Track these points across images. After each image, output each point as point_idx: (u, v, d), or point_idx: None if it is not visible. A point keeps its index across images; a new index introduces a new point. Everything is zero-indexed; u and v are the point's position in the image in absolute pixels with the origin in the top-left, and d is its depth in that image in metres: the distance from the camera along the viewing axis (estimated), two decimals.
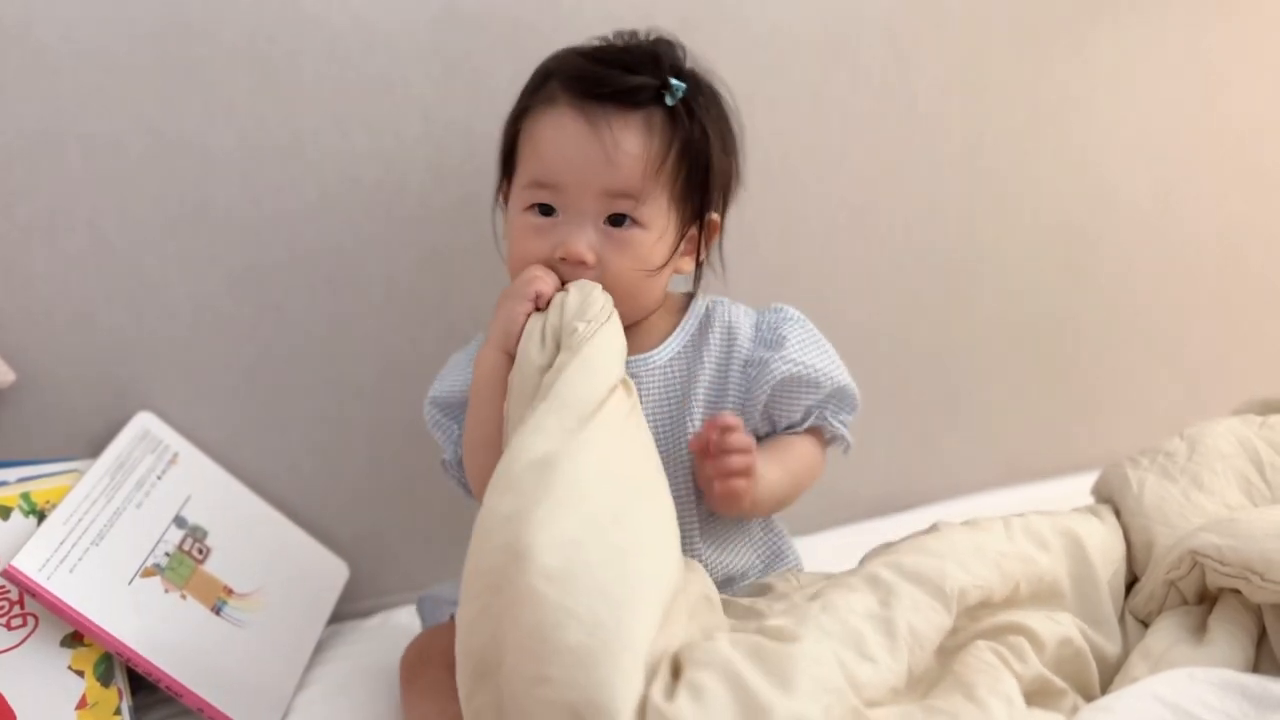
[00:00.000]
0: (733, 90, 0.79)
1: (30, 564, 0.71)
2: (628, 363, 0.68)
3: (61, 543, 0.74)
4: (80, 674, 0.74)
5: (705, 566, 0.75)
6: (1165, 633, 0.68)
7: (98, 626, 0.73)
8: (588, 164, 0.70)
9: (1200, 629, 0.68)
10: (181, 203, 0.86)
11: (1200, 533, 0.69)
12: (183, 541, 0.83)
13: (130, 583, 0.77)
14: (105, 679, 0.75)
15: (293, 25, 0.86)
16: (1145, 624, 0.72)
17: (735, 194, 0.80)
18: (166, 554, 0.81)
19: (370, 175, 0.91)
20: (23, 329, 0.84)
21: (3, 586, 0.73)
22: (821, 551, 0.91)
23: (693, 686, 0.50)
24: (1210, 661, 0.63)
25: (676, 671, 0.52)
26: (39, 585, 0.71)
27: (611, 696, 0.48)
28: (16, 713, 0.70)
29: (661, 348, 0.77)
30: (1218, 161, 1.29)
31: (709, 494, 0.71)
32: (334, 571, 0.95)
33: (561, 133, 0.71)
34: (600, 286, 0.70)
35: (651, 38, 0.77)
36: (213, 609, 0.81)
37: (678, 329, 0.78)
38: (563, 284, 0.71)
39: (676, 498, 0.66)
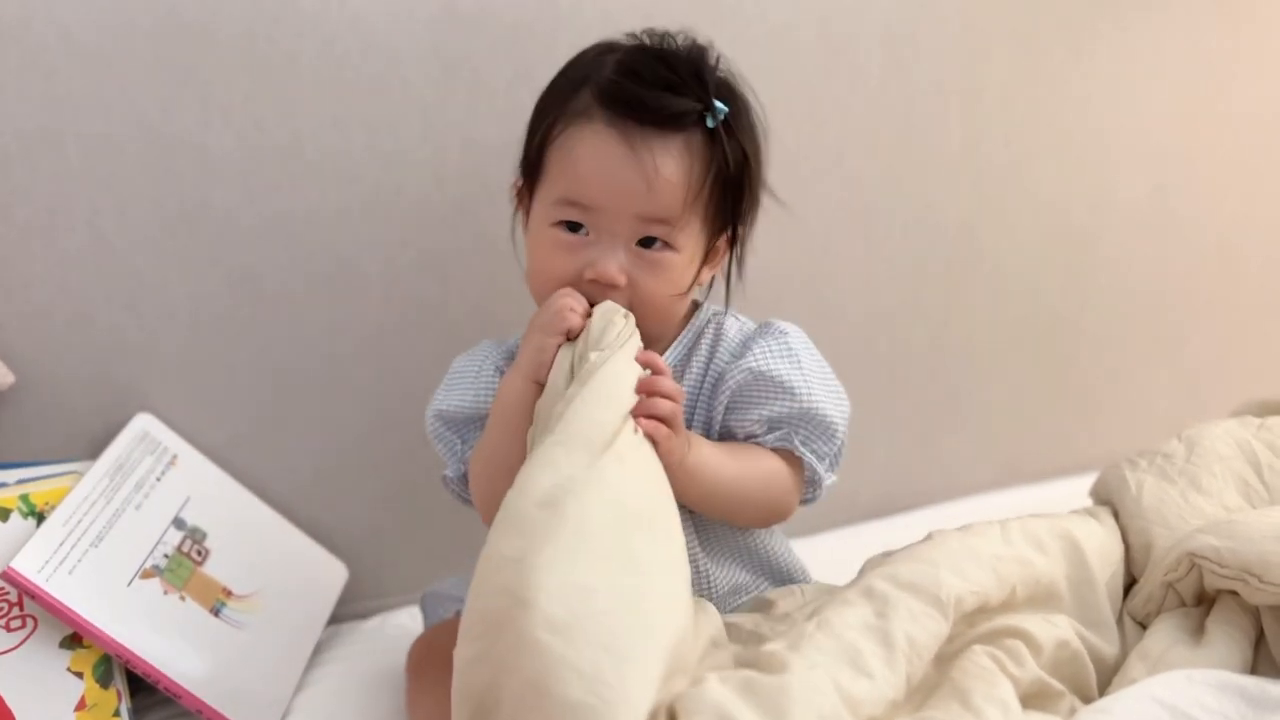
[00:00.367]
0: None
1: (29, 565, 0.71)
2: None
3: (61, 544, 0.74)
4: (79, 675, 0.74)
5: (705, 578, 0.75)
6: (1163, 634, 0.68)
7: (97, 628, 0.73)
8: (625, 189, 0.68)
9: (1198, 631, 0.68)
10: (180, 203, 0.86)
11: (1198, 534, 0.69)
12: (182, 543, 0.83)
13: (129, 584, 0.77)
14: (104, 680, 0.75)
15: (291, 25, 0.86)
16: (1143, 626, 0.72)
17: (760, 204, 0.78)
18: (165, 555, 0.81)
19: (369, 176, 0.91)
20: (22, 330, 0.83)
21: (2, 588, 0.73)
22: (821, 553, 0.91)
23: None
24: (1208, 663, 0.63)
25: None
26: (38, 587, 0.71)
27: None
28: (15, 714, 0.70)
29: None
30: (1216, 163, 1.29)
31: None
32: (333, 573, 0.95)
33: (599, 154, 0.68)
34: (623, 311, 0.68)
35: (686, 40, 0.73)
36: (212, 610, 0.81)
37: (676, 341, 0.76)
38: (590, 304, 0.69)
39: None
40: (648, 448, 0.63)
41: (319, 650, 0.90)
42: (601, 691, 0.48)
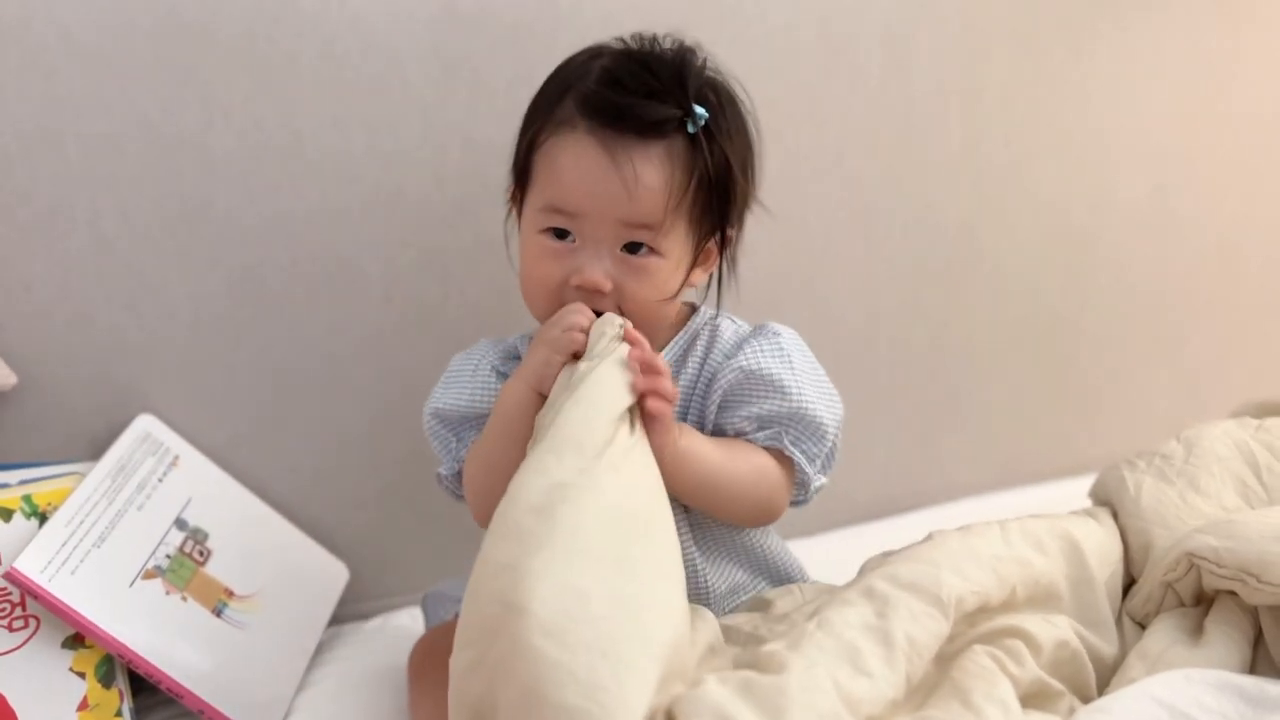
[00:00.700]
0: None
1: (32, 566, 0.72)
2: None
3: (63, 545, 0.74)
4: (81, 676, 0.74)
5: (701, 578, 0.75)
6: (1162, 634, 0.68)
7: (99, 628, 0.73)
8: (607, 196, 0.68)
9: (1197, 630, 0.68)
10: (181, 203, 0.86)
11: (1197, 535, 0.70)
12: (184, 544, 0.83)
13: (131, 585, 0.77)
14: (106, 681, 0.75)
15: (292, 25, 0.86)
16: (1142, 626, 0.72)
17: (751, 205, 0.78)
18: (167, 556, 0.81)
19: (369, 175, 0.91)
20: (23, 331, 0.84)
21: (4, 588, 0.73)
22: (820, 554, 0.92)
23: None
24: (1207, 663, 0.63)
25: None
26: (40, 587, 0.71)
27: None
28: (18, 714, 0.70)
29: None
30: (1216, 163, 1.29)
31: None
32: (334, 573, 0.95)
33: (580, 162, 0.69)
34: (619, 322, 0.68)
35: (672, 44, 0.74)
36: (213, 611, 0.82)
37: (671, 343, 0.77)
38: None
39: None
40: (642, 454, 0.63)
41: (320, 650, 0.90)
42: (598, 696, 0.48)
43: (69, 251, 0.84)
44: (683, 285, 0.74)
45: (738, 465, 0.71)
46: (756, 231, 0.98)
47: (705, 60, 0.73)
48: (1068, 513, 0.80)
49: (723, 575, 0.77)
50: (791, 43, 1.03)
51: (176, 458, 0.88)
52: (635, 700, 0.49)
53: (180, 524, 0.84)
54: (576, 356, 0.67)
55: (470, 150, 0.93)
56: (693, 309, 0.80)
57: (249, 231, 0.88)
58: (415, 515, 0.99)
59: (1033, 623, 0.65)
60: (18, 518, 0.75)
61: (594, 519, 0.55)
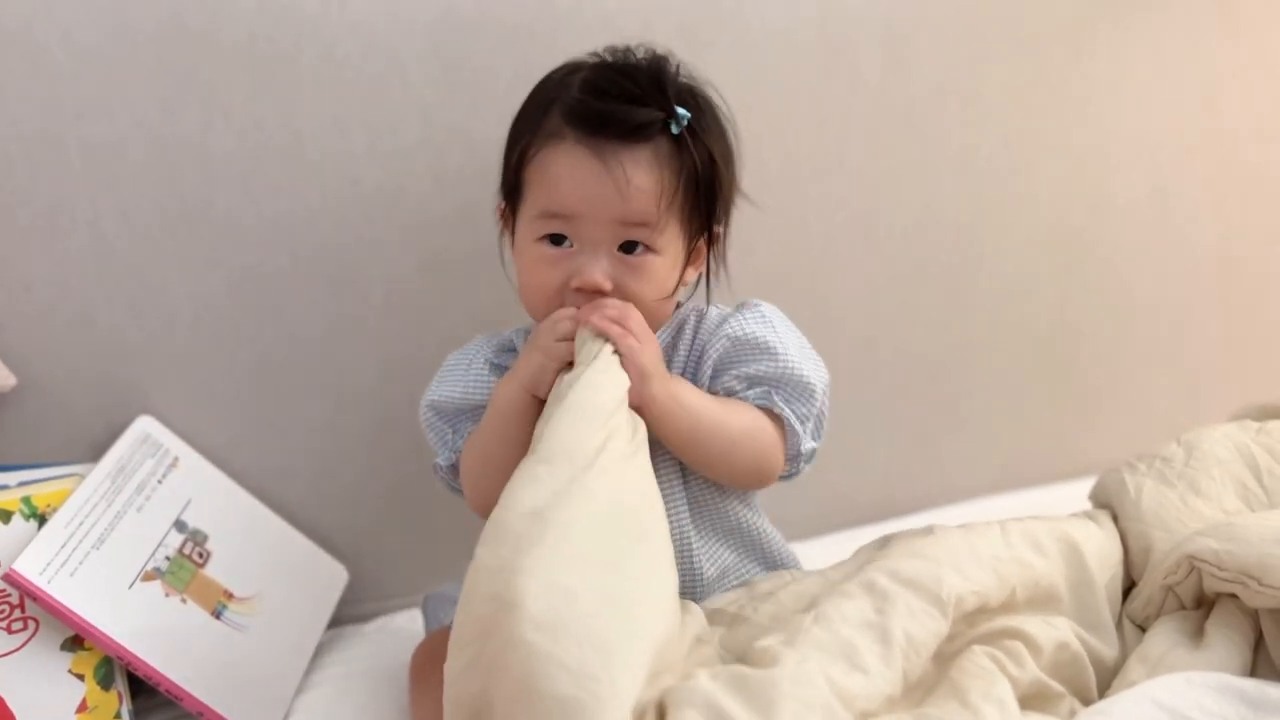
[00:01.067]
0: (730, 94, 0.79)
1: (31, 567, 0.71)
2: None
3: (62, 546, 0.74)
4: (81, 678, 0.74)
5: (693, 558, 0.75)
6: (1163, 637, 0.68)
7: (98, 630, 0.73)
8: (601, 197, 0.70)
9: (1198, 633, 0.68)
10: (182, 205, 0.86)
11: (1198, 538, 0.70)
12: (183, 545, 0.83)
13: (131, 586, 0.77)
14: (105, 683, 0.75)
15: (292, 27, 0.86)
16: (1143, 628, 0.72)
17: (735, 202, 0.80)
18: (167, 558, 0.81)
19: (370, 178, 0.91)
20: (23, 332, 0.84)
21: (3, 590, 0.73)
22: (820, 556, 0.91)
23: None
24: (1208, 666, 0.63)
25: (662, 716, 0.52)
26: (40, 589, 0.71)
27: None
28: (17, 716, 0.70)
29: None
30: (1215, 166, 1.29)
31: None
32: (334, 575, 0.95)
33: (572, 168, 0.70)
34: (594, 330, 0.69)
35: (645, 54, 0.76)
36: (213, 613, 0.82)
37: (658, 332, 0.77)
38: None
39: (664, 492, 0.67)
40: (639, 458, 0.64)
41: (319, 652, 0.90)
42: (590, 686, 0.49)
43: (69, 252, 0.84)
44: (679, 284, 0.76)
45: (731, 418, 0.73)
46: (756, 233, 0.99)
47: (679, 66, 0.76)
48: (1068, 515, 0.80)
49: (715, 555, 0.77)
50: (791, 45, 1.03)
51: (176, 459, 0.87)
52: (625, 689, 0.50)
53: (180, 526, 0.84)
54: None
55: (470, 152, 0.93)
56: (678, 305, 0.81)
57: (249, 232, 0.88)
58: (415, 517, 0.99)
59: (1032, 624, 0.65)
60: (17, 519, 0.75)
61: (585, 522, 0.56)
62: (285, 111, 0.87)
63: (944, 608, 0.61)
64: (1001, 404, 1.25)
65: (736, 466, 0.74)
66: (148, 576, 0.79)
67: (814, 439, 0.77)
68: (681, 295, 0.80)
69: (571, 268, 0.72)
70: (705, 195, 0.74)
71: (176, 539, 0.83)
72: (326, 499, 0.96)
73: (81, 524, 0.77)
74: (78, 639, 0.74)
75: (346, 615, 0.97)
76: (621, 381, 0.67)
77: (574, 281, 0.71)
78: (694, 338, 0.77)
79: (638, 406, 0.69)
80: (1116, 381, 1.31)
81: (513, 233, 0.77)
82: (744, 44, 1.01)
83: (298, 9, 0.85)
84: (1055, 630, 0.66)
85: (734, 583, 0.78)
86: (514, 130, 0.77)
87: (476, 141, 0.93)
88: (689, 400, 0.71)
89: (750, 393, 0.74)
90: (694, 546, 0.76)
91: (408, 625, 0.95)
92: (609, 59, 0.76)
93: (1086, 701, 0.65)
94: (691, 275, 0.79)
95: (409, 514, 0.99)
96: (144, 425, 0.87)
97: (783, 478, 0.78)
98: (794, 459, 0.77)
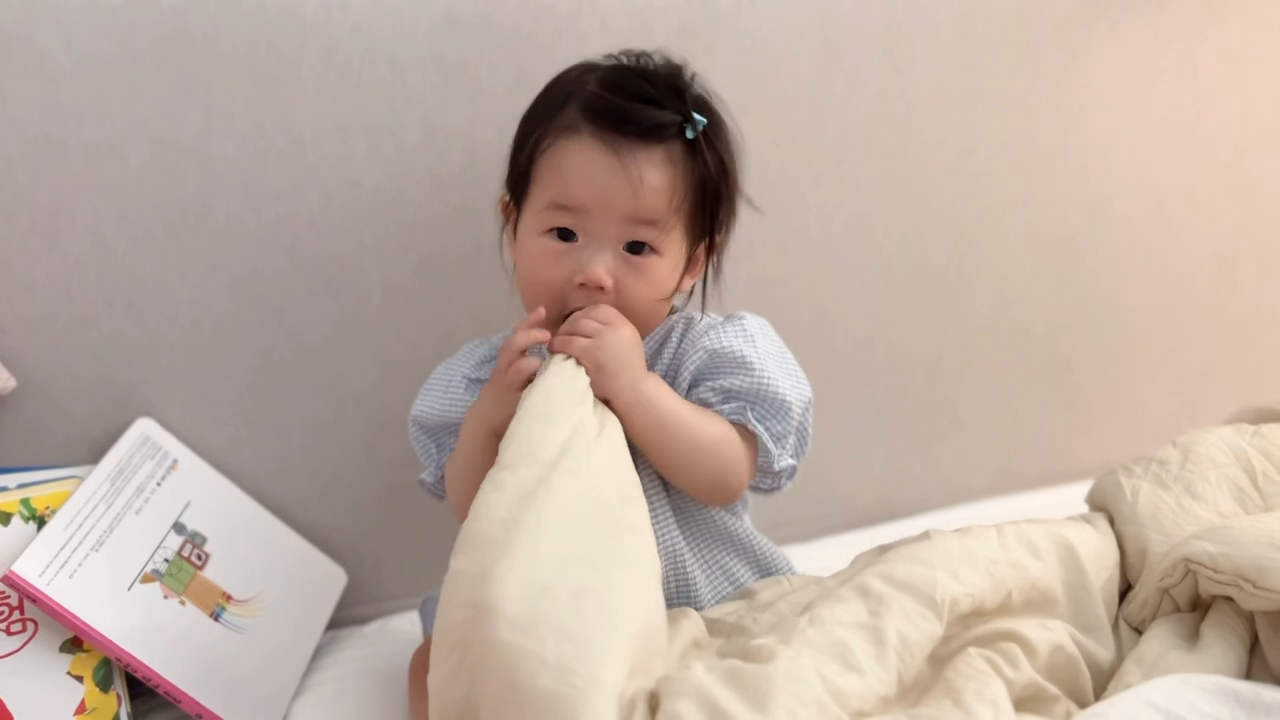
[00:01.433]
0: (729, 99, 0.80)
1: (30, 569, 0.72)
2: None
3: (61, 548, 0.74)
4: (79, 679, 0.74)
5: (685, 565, 0.76)
6: (1159, 639, 0.68)
7: (97, 632, 0.73)
8: (613, 192, 0.70)
9: (1193, 636, 0.68)
10: (182, 209, 0.86)
11: (1193, 540, 0.70)
12: (182, 547, 0.83)
13: (130, 588, 0.77)
14: (104, 684, 0.75)
15: (293, 33, 0.86)
16: (1139, 631, 0.72)
17: (736, 214, 0.81)
18: (166, 560, 0.81)
19: (370, 181, 0.91)
20: (23, 335, 0.84)
21: (3, 592, 0.73)
22: (817, 559, 0.92)
23: (669, 716, 0.50)
24: (1203, 668, 0.63)
25: (655, 706, 0.52)
26: (39, 591, 0.71)
27: None
28: (16, 718, 0.70)
29: None
30: (1210, 172, 1.30)
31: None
32: (332, 578, 0.95)
33: (587, 162, 0.71)
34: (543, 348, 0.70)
35: (661, 60, 0.77)
36: (211, 615, 0.82)
37: (647, 338, 0.78)
38: (569, 312, 0.72)
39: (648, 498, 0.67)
40: (607, 453, 0.65)
41: (318, 655, 0.90)
42: (569, 679, 0.49)
43: (70, 255, 0.84)
44: (676, 288, 0.76)
45: (701, 425, 0.73)
46: (754, 237, 0.99)
47: (694, 75, 0.77)
48: (1064, 518, 0.80)
49: (707, 561, 0.78)
50: (789, 50, 1.03)
51: (175, 461, 0.88)
52: (606, 679, 0.50)
53: (179, 528, 0.84)
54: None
55: (470, 156, 0.93)
56: (671, 310, 0.81)
57: (249, 236, 0.89)
58: (413, 520, 0.99)
59: (1028, 627, 0.65)
60: (16, 521, 0.75)
61: (554, 520, 0.57)
62: (286, 116, 0.87)
63: (938, 610, 0.61)
64: (998, 407, 1.25)
65: (698, 475, 0.73)
66: (147, 578, 0.79)
67: (794, 456, 0.77)
68: (677, 301, 0.81)
69: (576, 263, 0.72)
70: (711, 202, 0.75)
71: (175, 541, 0.83)
72: (325, 501, 0.96)
73: (81, 526, 0.77)
74: (77, 641, 0.74)
75: (345, 617, 0.97)
76: (577, 378, 0.68)
77: (577, 277, 0.71)
78: (678, 345, 0.77)
79: (606, 399, 0.70)
80: (1113, 385, 1.32)
81: (515, 226, 0.77)
82: (742, 49, 1.01)
83: (298, 14, 0.86)
84: (1051, 633, 0.66)
85: (729, 588, 0.78)
86: (526, 123, 0.77)
87: (476, 145, 0.93)
88: (657, 399, 0.71)
89: (725, 407, 0.74)
90: (684, 554, 0.76)
91: (406, 627, 0.95)
92: (625, 61, 0.76)
93: (1082, 704, 0.65)
94: (689, 283, 0.79)
95: (407, 516, 0.99)
96: (143, 427, 0.87)
97: (763, 492, 0.78)
98: (774, 475, 0.76)
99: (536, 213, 0.73)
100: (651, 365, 0.77)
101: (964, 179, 1.15)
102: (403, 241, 0.93)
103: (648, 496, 0.69)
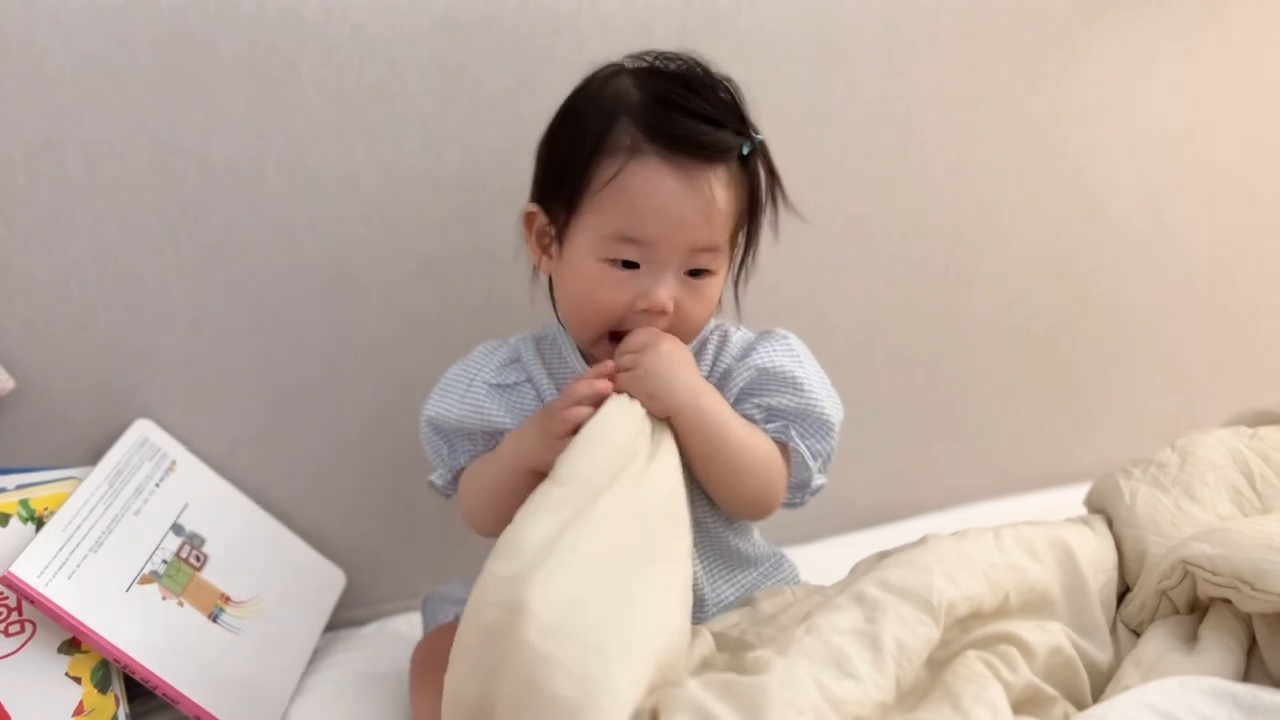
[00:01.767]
0: None
1: (28, 571, 0.72)
2: None
3: (60, 549, 0.74)
4: (77, 680, 0.74)
5: (698, 580, 0.76)
6: (1157, 641, 0.68)
7: (95, 633, 0.73)
8: (684, 223, 0.69)
9: (1192, 638, 0.68)
10: (181, 211, 0.86)
11: (1192, 542, 0.70)
12: (180, 549, 0.83)
13: (128, 590, 0.77)
14: (102, 686, 0.75)
15: (292, 35, 0.86)
16: (1137, 633, 0.72)
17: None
18: (164, 561, 0.81)
19: (369, 184, 0.91)
20: (22, 336, 0.84)
21: (1, 593, 0.73)
22: (816, 560, 0.92)
23: None
24: (1201, 670, 0.64)
25: None
26: (37, 592, 0.71)
27: None
28: (14, 719, 0.70)
29: None
30: (1209, 173, 1.30)
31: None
32: (331, 579, 0.95)
33: (658, 191, 0.69)
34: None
35: (699, 67, 0.74)
36: (210, 616, 0.82)
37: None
38: (621, 334, 0.72)
39: None
40: (653, 483, 0.65)
41: (316, 656, 0.90)
42: (589, 689, 0.50)
43: (69, 257, 0.84)
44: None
45: (754, 441, 0.73)
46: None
47: (731, 81, 0.75)
48: (1063, 520, 0.80)
49: (712, 573, 0.78)
50: (789, 51, 1.03)
51: (174, 463, 0.88)
52: (624, 695, 0.51)
53: (177, 529, 0.84)
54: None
55: (470, 159, 0.93)
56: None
57: (248, 239, 0.89)
58: (412, 522, 0.99)
59: (1026, 629, 0.65)
60: (14, 522, 0.75)
61: (596, 542, 0.58)
62: (285, 118, 0.87)
63: (935, 614, 0.61)
64: (997, 409, 1.25)
65: (744, 491, 0.73)
66: (145, 580, 0.79)
67: (823, 474, 0.77)
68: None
69: (638, 289, 0.71)
70: (759, 216, 0.75)
71: (174, 542, 0.83)
72: (324, 502, 0.96)
73: (79, 527, 0.77)
74: (75, 642, 0.74)
75: (343, 619, 0.97)
76: (634, 411, 0.68)
77: (640, 303, 0.71)
78: (715, 358, 0.77)
79: (667, 416, 0.70)
80: (1111, 387, 1.32)
81: (555, 241, 0.74)
82: (742, 50, 1.01)
83: (298, 15, 0.86)
84: (1049, 635, 0.66)
85: (732, 595, 0.78)
86: (571, 138, 0.73)
87: (475, 148, 0.93)
88: (716, 416, 0.71)
89: (769, 426, 0.74)
90: (697, 572, 0.76)
91: (405, 629, 0.95)
92: (666, 67, 0.74)
93: (1080, 706, 0.65)
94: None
95: (406, 518, 0.99)
96: (142, 429, 0.87)
97: (789, 508, 0.78)
98: (802, 490, 0.77)
99: (599, 241, 0.71)
100: None
101: (963, 180, 1.16)
102: (402, 243, 0.93)
103: None
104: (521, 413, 0.76)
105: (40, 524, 0.76)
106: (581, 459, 0.62)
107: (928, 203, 1.14)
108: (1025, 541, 0.71)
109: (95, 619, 0.73)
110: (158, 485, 0.85)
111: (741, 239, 0.76)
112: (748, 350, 0.76)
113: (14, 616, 0.73)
